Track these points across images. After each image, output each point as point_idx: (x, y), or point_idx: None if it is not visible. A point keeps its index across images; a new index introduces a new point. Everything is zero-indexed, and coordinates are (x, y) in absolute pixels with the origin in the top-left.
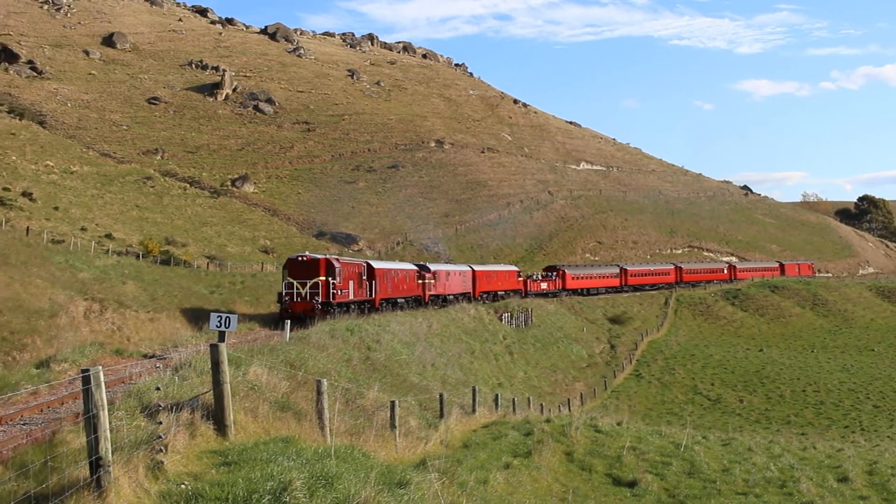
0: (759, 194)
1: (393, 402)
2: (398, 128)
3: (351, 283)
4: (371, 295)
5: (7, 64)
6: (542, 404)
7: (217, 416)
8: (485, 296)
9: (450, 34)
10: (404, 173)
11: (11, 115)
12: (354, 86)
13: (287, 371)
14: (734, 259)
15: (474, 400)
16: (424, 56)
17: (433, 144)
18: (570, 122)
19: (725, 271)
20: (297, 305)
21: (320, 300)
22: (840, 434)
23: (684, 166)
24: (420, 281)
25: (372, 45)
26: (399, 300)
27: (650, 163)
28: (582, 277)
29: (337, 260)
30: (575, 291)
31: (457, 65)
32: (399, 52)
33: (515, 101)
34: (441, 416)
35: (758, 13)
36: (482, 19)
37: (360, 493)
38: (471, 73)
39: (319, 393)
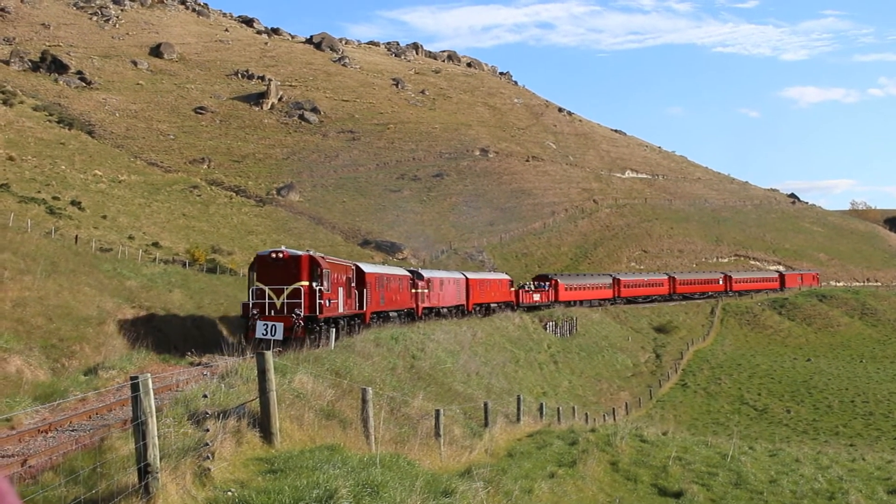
0: (807, 202)
1: (438, 411)
2: (443, 136)
3: (340, 290)
4: (361, 307)
5: (57, 74)
6: (586, 413)
7: (263, 424)
8: (477, 309)
9: (492, 42)
10: (449, 182)
11: (61, 125)
12: (399, 94)
13: (332, 379)
14: (781, 268)
15: (519, 409)
16: (469, 65)
17: (478, 153)
18: (615, 131)
19: (721, 282)
20: (271, 322)
21: (302, 314)
22: (890, 445)
23: (730, 174)
24: (413, 291)
25: (416, 54)
26: (391, 314)
27: (696, 171)
28: (575, 288)
29: (323, 258)
30: (568, 304)
31: (501, 73)
32: (444, 61)
33: (560, 110)
34: (485, 424)
35: (803, 20)
36: (524, 28)
37: (406, 502)
38: (515, 82)
39: (364, 401)
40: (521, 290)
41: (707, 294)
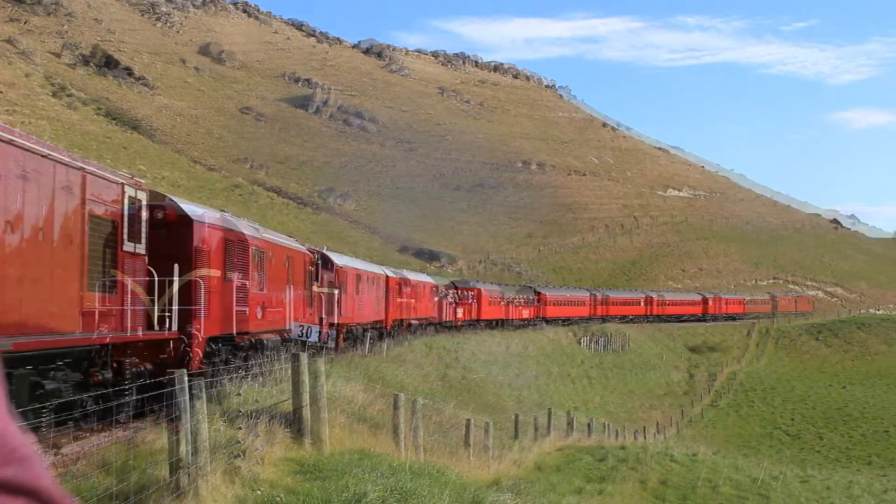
0: (849, 228)
1: (468, 421)
2: (487, 147)
3: (289, 291)
4: (333, 318)
5: (107, 70)
6: (617, 430)
7: (295, 425)
8: (396, 329)
9: (540, 55)
10: (491, 193)
11: (108, 120)
12: (444, 103)
13: (365, 384)
14: (820, 293)
15: (549, 422)
16: (516, 76)
17: (521, 165)
18: (660, 148)
19: (642, 304)
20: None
21: (203, 334)
22: None
23: (774, 197)
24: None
25: (464, 64)
26: (356, 330)
27: (739, 192)
28: (497, 303)
29: (258, 231)
30: (489, 323)
31: (549, 86)
32: (492, 72)
33: (605, 125)
34: (515, 436)
35: (853, 44)
36: (574, 41)
37: None
38: (562, 96)
39: (396, 407)
40: (443, 302)
41: (683, 317)
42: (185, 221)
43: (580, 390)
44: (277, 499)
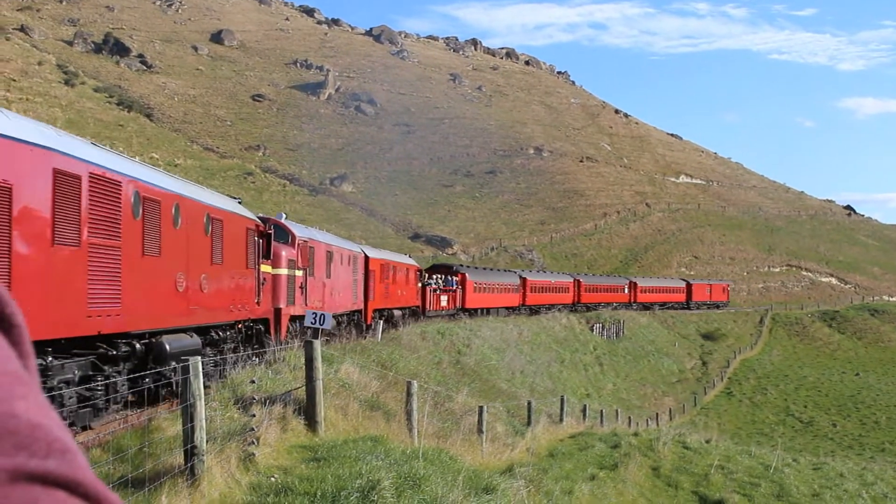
0: (863, 215)
1: (481, 408)
2: (497, 133)
3: (214, 270)
4: (293, 308)
5: (118, 57)
6: (629, 417)
7: (308, 412)
8: (377, 319)
9: (545, 41)
10: (502, 179)
11: (120, 107)
12: (456, 90)
13: (378, 371)
14: (833, 280)
15: (562, 409)
16: (527, 63)
17: (532, 151)
18: (671, 135)
19: (626, 291)
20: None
21: None
22: None
23: (786, 183)
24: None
25: (475, 50)
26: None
27: (751, 178)
28: (484, 289)
29: (147, 171)
30: (473, 313)
31: (559, 72)
32: (502, 58)
33: (617, 111)
34: (528, 423)
35: (861, 30)
36: (577, 27)
37: (448, 497)
38: (573, 82)
39: (409, 394)
40: (427, 289)
41: (612, 305)
42: None
43: (592, 377)
44: (293, 486)
